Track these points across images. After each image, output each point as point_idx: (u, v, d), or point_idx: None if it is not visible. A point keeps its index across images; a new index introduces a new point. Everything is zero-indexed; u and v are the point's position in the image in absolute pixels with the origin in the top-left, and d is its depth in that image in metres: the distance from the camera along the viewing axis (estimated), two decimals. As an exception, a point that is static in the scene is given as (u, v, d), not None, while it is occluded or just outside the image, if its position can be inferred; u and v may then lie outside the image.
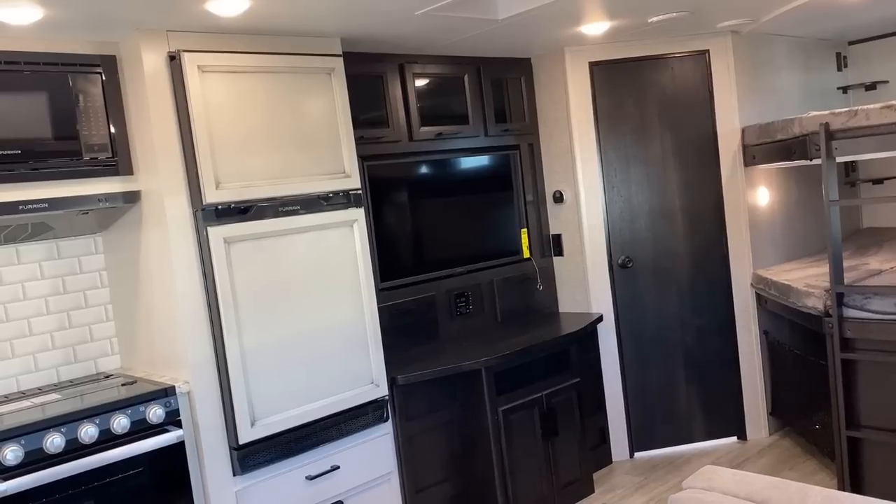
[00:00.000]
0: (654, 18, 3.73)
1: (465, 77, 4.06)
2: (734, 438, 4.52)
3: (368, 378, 3.28)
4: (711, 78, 4.34)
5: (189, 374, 2.86)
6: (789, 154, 3.81)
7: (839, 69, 5.31)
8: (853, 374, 3.54)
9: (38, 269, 3.11)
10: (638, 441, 4.45)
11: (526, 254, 4.36)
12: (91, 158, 2.82)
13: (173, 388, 2.82)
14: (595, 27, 3.76)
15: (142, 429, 2.72)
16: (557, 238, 4.45)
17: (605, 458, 4.35)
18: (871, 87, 5.24)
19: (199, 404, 2.86)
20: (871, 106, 3.34)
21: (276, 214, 3.02)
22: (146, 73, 2.78)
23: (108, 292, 3.29)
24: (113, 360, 3.30)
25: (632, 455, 4.44)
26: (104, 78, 2.86)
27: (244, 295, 2.90)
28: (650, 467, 4.28)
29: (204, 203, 2.82)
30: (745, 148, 4.38)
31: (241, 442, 2.88)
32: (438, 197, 4.03)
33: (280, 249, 3.02)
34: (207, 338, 2.89)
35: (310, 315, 3.09)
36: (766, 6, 3.81)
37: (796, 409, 4.33)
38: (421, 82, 3.87)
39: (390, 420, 3.37)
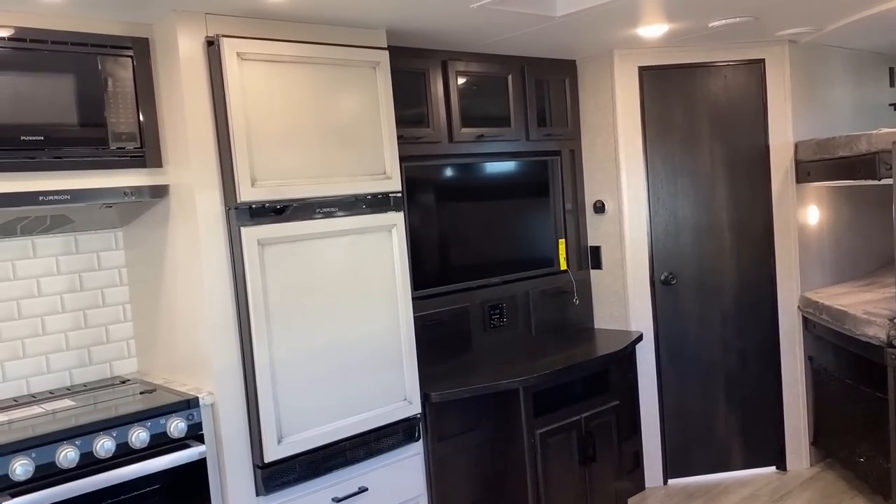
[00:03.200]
0: (716, 23, 3.51)
1: (509, 77, 3.85)
2: (773, 468, 4.29)
3: (401, 394, 3.06)
4: (766, 88, 4.12)
5: (213, 383, 2.65)
6: (853, 172, 3.59)
7: (892, 84, 5.08)
8: (914, 410, 3.32)
9: (55, 264, 2.91)
10: (673, 467, 4.23)
11: (563, 265, 4.15)
12: (118, 148, 2.61)
13: (196, 399, 2.60)
14: (653, 29, 3.54)
15: (162, 443, 2.50)
16: (596, 250, 4.23)
17: (638, 484, 4.13)
18: (923, 104, 5.02)
19: (223, 418, 2.65)
20: (951, 125, 3.12)
21: (313, 216, 2.81)
22: (181, 59, 2.57)
23: (126, 291, 3.09)
24: (129, 364, 3.10)
25: (665, 481, 4.22)
26: (135, 62, 2.65)
27: (276, 301, 2.69)
28: (686, 496, 4.06)
29: (238, 201, 2.61)
30: (797, 164, 4.15)
31: (266, 460, 2.67)
32: (475, 202, 3.82)
33: (315, 253, 2.81)
34: (235, 345, 2.68)
35: (343, 324, 2.88)
36: (833, 14, 3.59)
37: (843, 440, 4.10)
38: (463, 81, 3.65)
39: (421, 440, 3.15)
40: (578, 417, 3.51)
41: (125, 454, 2.42)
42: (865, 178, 3.50)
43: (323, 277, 2.82)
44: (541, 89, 4.01)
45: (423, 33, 3.23)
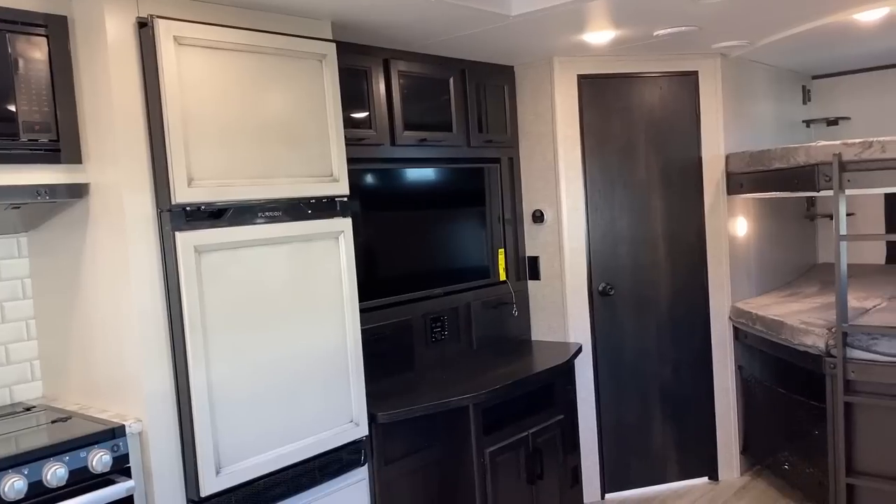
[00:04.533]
0: (661, 31, 3.49)
1: (451, 80, 3.69)
2: (706, 479, 4.30)
3: (348, 416, 2.82)
4: (699, 100, 4.15)
5: (142, 409, 2.33)
6: (790, 184, 3.64)
7: (804, 102, 5.27)
8: (850, 418, 3.38)
9: (-54, 274, 2.51)
10: (610, 481, 4.16)
11: (502, 276, 4.01)
12: (30, 140, 2.27)
13: (122, 427, 2.28)
14: (599, 36, 3.48)
15: (83, 479, 2.18)
16: (534, 260, 4.13)
17: (577, 500, 4.02)
18: (833, 122, 5.23)
19: (153, 448, 2.34)
20: (888, 138, 3.20)
21: (255, 221, 2.54)
22: (109, 41, 2.26)
23: (30, 305, 2.71)
24: (32, 388, 2.72)
25: (603, 496, 4.15)
26: (51, 42, 2.32)
27: (214, 315, 2.41)
28: (625, 510, 4.00)
29: (173, 202, 2.32)
30: (729, 175, 4.20)
31: (203, 494, 2.37)
32: (415, 210, 3.63)
33: (257, 262, 2.54)
34: (167, 365, 2.37)
35: (287, 341, 2.62)
36: (769, 29, 3.65)
37: (771, 449, 4.16)
38: (405, 82, 3.46)
39: (367, 464, 2.92)
40: (526, 434, 3.37)
41: (39, 494, 2.08)
42: (803, 190, 3.55)
43: (266, 289, 2.56)
44: (482, 94, 3.87)
45: (367, 27, 3.03)
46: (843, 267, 3.33)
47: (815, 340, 3.45)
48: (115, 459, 2.24)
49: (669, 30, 3.46)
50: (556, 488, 3.54)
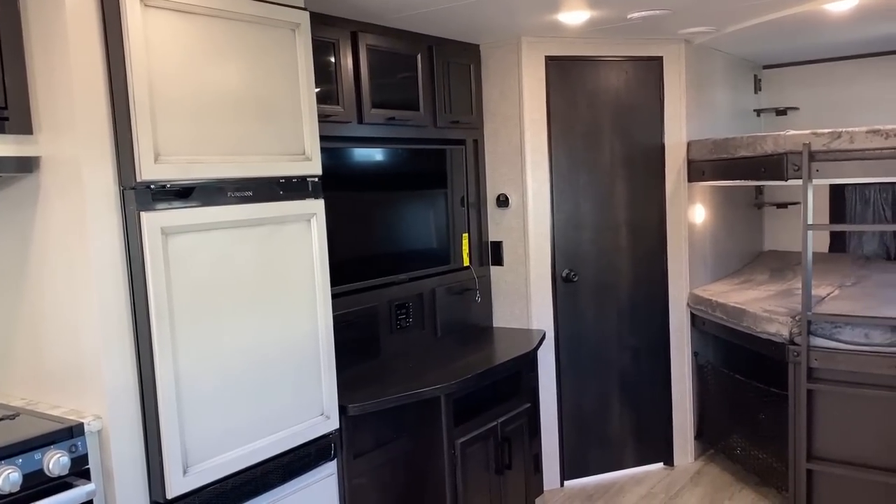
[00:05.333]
0: (635, 14, 3.43)
1: (419, 57, 3.55)
2: (661, 464, 4.33)
3: (319, 408, 2.68)
4: (663, 86, 4.13)
5: (102, 404, 2.14)
6: (756, 173, 3.65)
7: (755, 91, 5.34)
8: (810, 404, 3.43)
9: None
10: (569, 468, 4.14)
11: (466, 261, 3.91)
12: (-26, 107, 2.03)
13: (81, 425, 2.09)
14: (575, 16, 3.39)
15: (38, 483, 1.97)
16: (498, 245, 4.04)
17: (537, 488, 3.99)
18: (782, 112, 5.32)
19: (115, 447, 2.14)
20: (857, 129, 3.23)
21: (226, 201, 2.36)
22: (67, 2, 2.03)
23: (-33, 289, 2.45)
24: (-31, 381, 2.47)
25: (562, 484, 4.12)
26: (-4, -1, 2.07)
27: (182, 302, 2.22)
28: (585, 497, 3.98)
29: (138, 179, 2.12)
30: (690, 163, 4.20)
31: (169, 496, 2.20)
32: (382, 192, 3.49)
33: (227, 246, 2.36)
34: (130, 357, 2.18)
35: (259, 330, 2.45)
36: (738, 16, 3.63)
37: (726, 434, 4.21)
38: (373, 57, 3.30)
39: (336, 459, 2.78)
40: (495, 423, 3.30)
41: (-11, 502, 1.88)
42: (770, 179, 3.56)
43: (236, 275, 2.38)
44: (448, 73, 3.74)
45: (338, -3, 2.87)
46: (809, 256, 3.36)
47: (779, 328, 3.49)
48: (73, 461, 2.04)
49: (643, 13, 3.41)
50: (522, 477, 3.48)
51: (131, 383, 2.18)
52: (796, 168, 3.36)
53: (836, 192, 5.16)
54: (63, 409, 2.22)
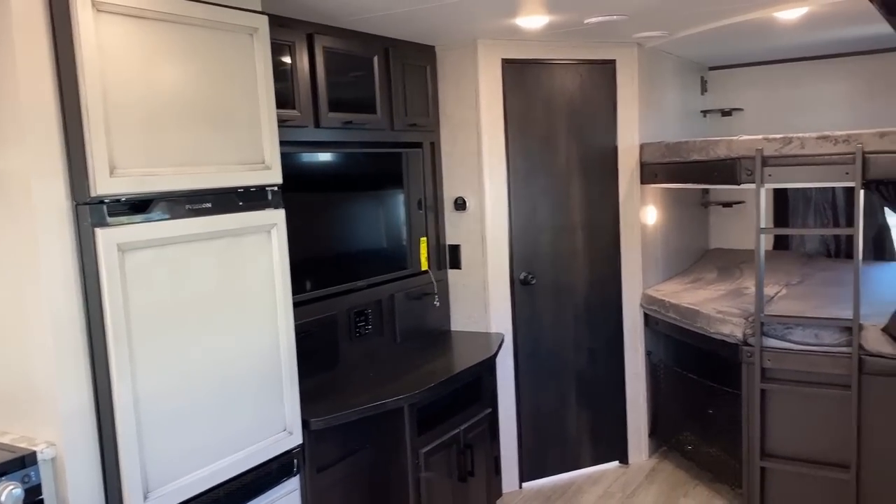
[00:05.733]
0: (592, 19, 3.44)
1: (375, 59, 3.48)
2: (616, 463, 4.39)
3: (282, 424, 2.61)
4: (616, 89, 4.16)
5: (56, 431, 2.03)
6: (709, 177, 3.71)
7: (702, 93, 5.43)
8: (763, 403, 3.51)
9: None
10: (528, 470, 4.16)
11: (424, 266, 3.87)
12: (-89, 117, 1.90)
13: (33, 454, 1.98)
14: (533, 21, 3.38)
15: (-11, 519, 1.87)
16: (455, 249, 4.01)
17: (496, 491, 3.99)
18: (727, 113, 5.43)
19: (70, 476, 2.04)
20: (807, 134, 3.31)
21: (184, 214, 2.27)
22: (13, 6, 1.91)
23: None
24: None
25: (521, 485, 4.14)
26: (-66, 0, 1.94)
27: (141, 320, 2.13)
28: (543, 499, 4.00)
29: (92, 194, 2.01)
30: (643, 165, 4.25)
31: (129, 523, 2.11)
32: (339, 197, 3.41)
33: (186, 261, 2.27)
34: (85, 379, 2.08)
35: (219, 347, 2.37)
36: (691, 22, 3.68)
37: (678, 431, 4.29)
38: (330, 59, 3.23)
39: (299, 474, 2.72)
40: (458, 431, 3.28)
41: (-64, 541, 1.77)
42: (723, 183, 3.63)
43: (195, 290, 2.29)
44: (405, 76, 3.68)
45: (294, -1, 2.79)
46: (762, 258, 3.44)
47: (733, 329, 3.56)
48: (27, 492, 1.94)
49: (601, 18, 3.42)
50: (483, 482, 3.47)
51: (87, 407, 2.08)
52: (749, 173, 3.42)
53: (779, 192, 5.29)
54: (12, 435, 2.11)
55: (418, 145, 3.83)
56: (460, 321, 4.05)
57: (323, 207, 3.32)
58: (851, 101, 4.99)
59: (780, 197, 5.30)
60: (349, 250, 3.48)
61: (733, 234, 5.41)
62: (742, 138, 3.49)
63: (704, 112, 5.44)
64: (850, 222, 5.00)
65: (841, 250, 5.22)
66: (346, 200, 3.46)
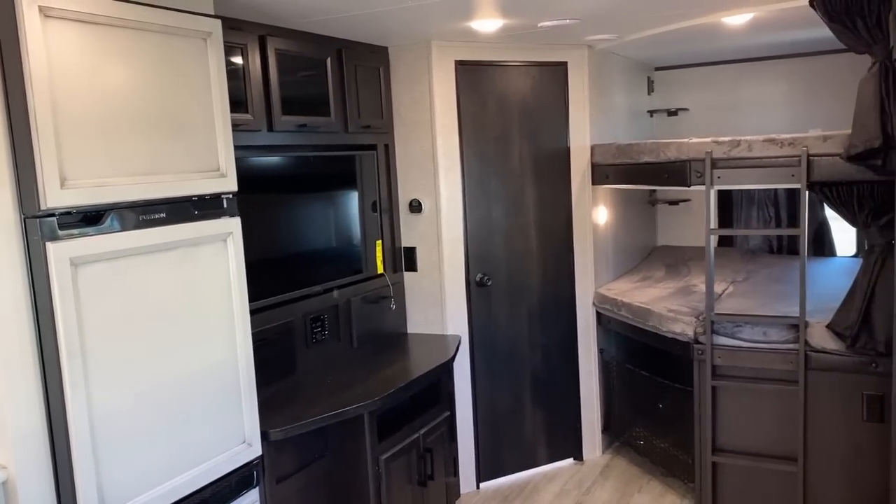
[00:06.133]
0: (546, 23, 3.46)
1: (328, 61, 3.44)
2: (571, 460, 4.45)
3: (241, 436, 2.56)
4: (568, 91, 4.20)
5: (8, 453, 1.96)
6: (660, 178, 3.78)
7: (648, 93, 5.53)
8: (713, 399, 3.60)
9: None
10: (484, 470, 4.18)
11: (380, 268, 3.85)
12: None
13: (-16, 478, 1.90)
14: (487, 24, 3.38)
15: (-63, 549, 1.79)
16: (411, 251, 4.00)
17: (454, 492, 4.00)
18: (673, 113, 5.53)
19: (23, 499, 1.97)
20: (754, 137, 3.39)
21: (138, 225, 2.20)
22: (-47, 7, 1.83)
23: None
24: None
25: (478, 486, 4.16)
26: None
27: (95, 337, 2.06)
28: (501, 498, 4.03)
29: (42, 207, 1.94)
30: (594, 166, 4.30)
31: (86, 546, 2.04)
32: (294, 201, 3.37)
33: (141, 273, 2.20)
34: (37, 399, 2.00)
35: (177, 359, 2.31)
36: (641, 26, 3.74)
37: (630, 426, 4.37)
38: (282, 62, 3.17)
39: (258, 486, 2.67)
40: (417, 435, 3.28)
41: None
42: (673, 185, 3.69)
43: (151, 304, 2.23)
44: (358, 77, 3.65)
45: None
46: (711, 259, 3.51)
47: (684, 328, 3.63)
48: (-23, 519, 1.86)
49: (554, 22, 3.44)
50: (443, 485, 3.48)
51: (39, 427, 2.01)
52: (699, 175, 3.49)
53: (723, 190, 5.42)
54: (-41, 459, 2.02)
55: (372, 147, 3.80)
56: (417, 323, 4.05)
57: (276, 211, 3.27)
58: (792, 102, 5.14)
59: (724, 194, 5.43)
60: (303, 255, 3.44)
61: (680, 232, 5.52)
62: (692, 141, 3.56)
63: (651, 112, 5.53)
64: (792, 218, 5.17)
65: (783, 246, 5.37)
66: (300, 204, 3.42)
